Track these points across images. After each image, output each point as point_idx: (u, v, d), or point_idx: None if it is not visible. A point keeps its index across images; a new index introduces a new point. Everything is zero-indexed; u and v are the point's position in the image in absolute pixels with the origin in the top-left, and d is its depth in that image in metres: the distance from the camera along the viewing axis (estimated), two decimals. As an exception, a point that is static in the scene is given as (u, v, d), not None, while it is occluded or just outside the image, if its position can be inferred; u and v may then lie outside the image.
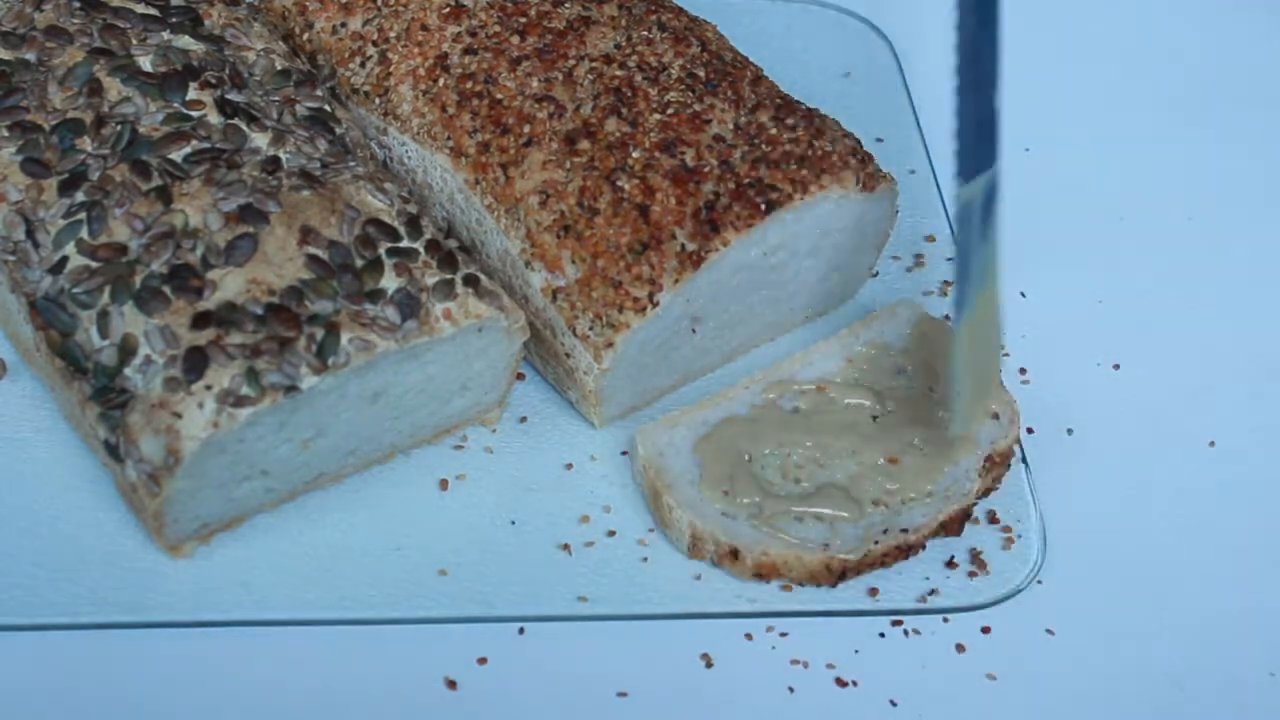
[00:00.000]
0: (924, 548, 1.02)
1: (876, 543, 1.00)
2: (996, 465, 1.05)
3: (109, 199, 0.99)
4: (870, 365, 1.08)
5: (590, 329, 1.02)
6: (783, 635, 0.99)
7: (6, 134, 1.02)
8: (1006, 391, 1.07)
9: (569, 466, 1.06)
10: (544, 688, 0.95)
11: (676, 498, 1.01)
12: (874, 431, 1.05)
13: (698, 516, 1.01)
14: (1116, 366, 1.14)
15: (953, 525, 1.03)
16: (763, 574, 1.00)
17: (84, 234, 0.98)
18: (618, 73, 1.08)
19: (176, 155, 1.01)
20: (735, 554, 1.00)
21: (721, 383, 1.10)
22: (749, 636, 0.99)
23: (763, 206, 1.03)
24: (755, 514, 1.01)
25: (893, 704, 0.97)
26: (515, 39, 1.09)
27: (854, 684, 0.97)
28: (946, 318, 1.12)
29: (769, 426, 1.05)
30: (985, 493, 1.05)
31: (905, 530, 1.01)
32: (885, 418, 1.06)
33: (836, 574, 1.00)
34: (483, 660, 0.96)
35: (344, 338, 0.95)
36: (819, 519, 1.01)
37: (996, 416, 1.06)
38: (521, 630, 0.98)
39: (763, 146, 1.05)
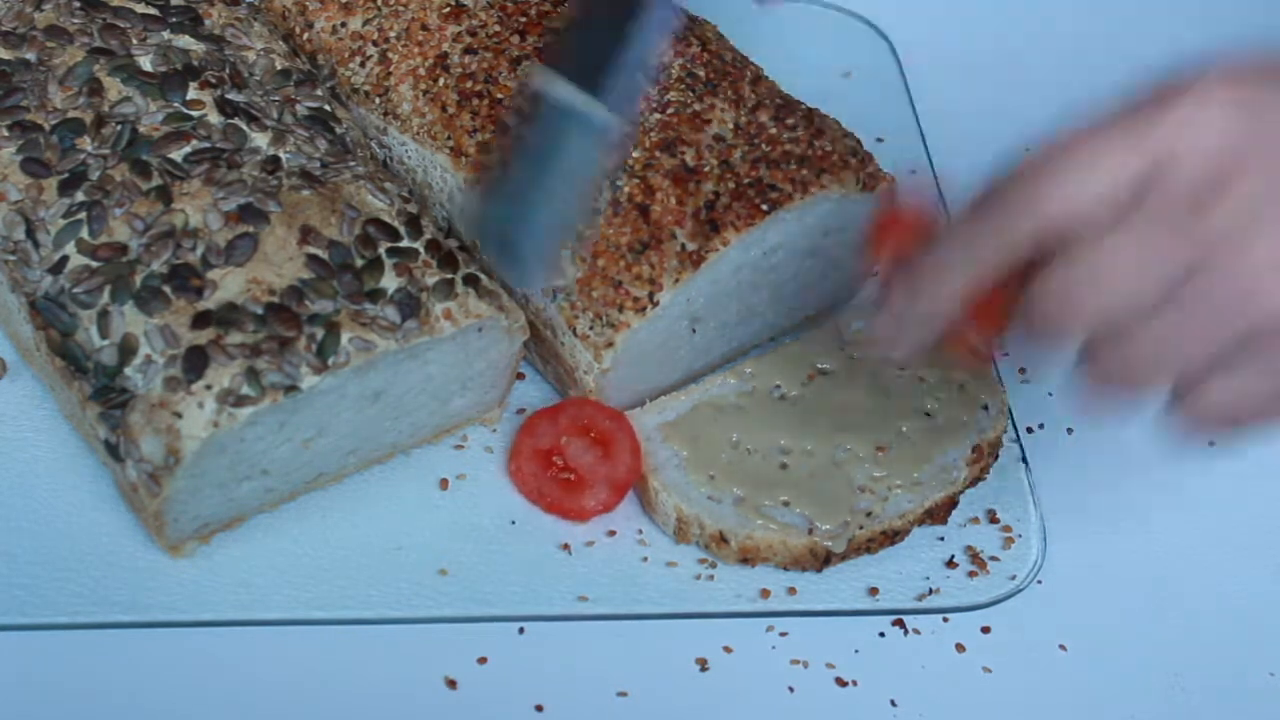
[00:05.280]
0: (909, 534, 1.02)
1: (861, 528, 1.01)
2: (984, 456, 1.05)
3: (109, 199, 0.99)
4: (860, 354, 1.08)
5: (590, 329, 1.02)
6: (783, 635, 0.99)
7: (6, 134, 1.02)
8: (995, 382, 1.08)
9: (569, 466, 1.06)
10: (544, 688, 0.95)
11: (662, 481, 1.02)
12: (863, 420, 1.05)
13: (684, 500, 1.01)
14: (1116, 366, 1.14)
15: (939, 513, 1.03)
16: (749, 558, 1.00)
17: (84, 234, 0.98)
18: (618, 72, 1.08)
19: (176, 155, 1.01)
20: (722, 538, 1.00)
21: (721, 382, 1.10)
22: (749, 636, 0.99)
23: (763, 207, 1.03)
24: (741, 499, 1.01)
25: (893, 704, 0.97)
26: (515, 39, 1.09)
27: (854, 684, 0.97)
28: None
29: (757, 413, 1.05)
30: (973, 483, 1.05)
31: (891, 516, 1.01)
32: (874, 406, 1.06)
33: (821, 559, 1.00)
34: (483, 660, 0.96)
35: (344, 337, 0.95)
36: (805, 505, 1.01)
37: (986, 408, 1.06)
38: (521, 630, 0.98)
39: (763, 146, 1.05)
